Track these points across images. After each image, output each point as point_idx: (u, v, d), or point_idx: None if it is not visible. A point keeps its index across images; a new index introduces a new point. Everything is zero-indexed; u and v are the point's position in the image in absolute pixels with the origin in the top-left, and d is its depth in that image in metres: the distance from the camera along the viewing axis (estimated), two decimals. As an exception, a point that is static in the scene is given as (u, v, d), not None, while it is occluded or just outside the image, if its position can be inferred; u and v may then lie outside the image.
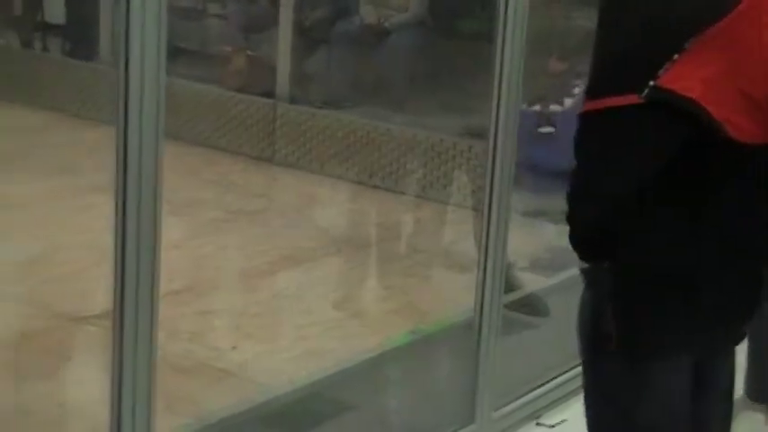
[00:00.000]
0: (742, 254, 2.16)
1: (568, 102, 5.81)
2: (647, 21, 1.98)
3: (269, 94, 6.60)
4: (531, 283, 4.55)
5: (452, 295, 4.62)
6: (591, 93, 2.03)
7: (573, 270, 4.58)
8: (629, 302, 2.13)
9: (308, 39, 6.95)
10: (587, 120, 2.03)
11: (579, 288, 4.59)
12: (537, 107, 5.88)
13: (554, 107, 5.89)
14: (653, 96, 1.94)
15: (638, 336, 2.15)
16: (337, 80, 7.10)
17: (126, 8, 2.35)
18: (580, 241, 2.15)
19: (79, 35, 7.58)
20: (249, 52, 7.15)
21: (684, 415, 2.24)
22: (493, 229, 3.57)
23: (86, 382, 3.77)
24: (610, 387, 2.25)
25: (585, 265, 2.32)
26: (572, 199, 2.09)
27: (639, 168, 2.02)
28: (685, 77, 1.94)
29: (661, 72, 1.93)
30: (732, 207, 2.09)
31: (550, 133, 5.69)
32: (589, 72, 2.06)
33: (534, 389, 3.88)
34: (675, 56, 1.93)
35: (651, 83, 1.93)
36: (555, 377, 3.97)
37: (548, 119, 5.76)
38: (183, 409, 3.49)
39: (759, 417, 3.93)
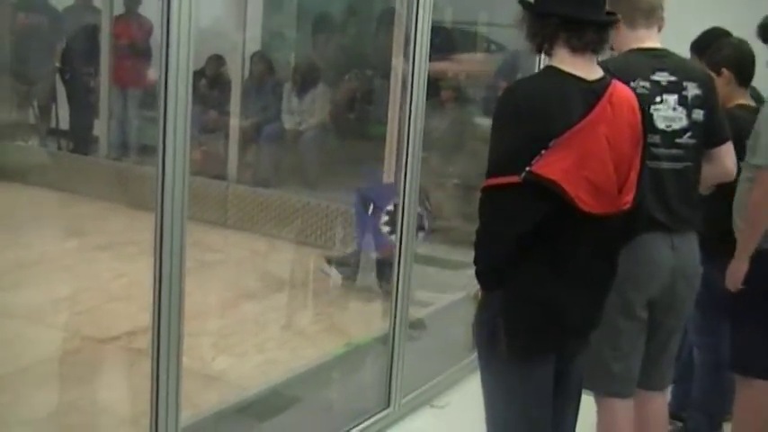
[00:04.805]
0: (592, 286, 2.26)
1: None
2: (526, 128, 2.09)
3: (222, 176, 6.61)
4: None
5: (363, 318, 4.71)
6: (488, 174, 2.12)
7: (443, 302, 4.66)
8: (516, 319, 2.19)
9: (247, 137, 7.03)
10: (486, 192, 2.13)
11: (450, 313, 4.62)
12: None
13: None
14: (528, 178, 2.05)
15: (521, 342, 2.21)
16: (268, 167, 7.17)
17: (163, 125, 2.41)
18: (482, 275, 2.21)
19: (79, 137, 7.52)
20: (203, 147, 7.14)
21: (550, 397, 2.30)
22: (402, 271, 3.59)
23: (112, 386, 3.78)
24: (502, 378, 2.30)
25: (474, 293, 2.41)
26: (477, 245, 2.17)
27: (519, 224, 2.10)
28: (550, 166, 2.05)
29: (533, 162, 2.05)
30: (583, 254, 2.18)
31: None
32: (488, 160, 2.14)
33: (428, 381, 3.94)
34: (543, 152, 2.06)
35: (527, 169, 2.05)
36: (440, 374, 4.03)
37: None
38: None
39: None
